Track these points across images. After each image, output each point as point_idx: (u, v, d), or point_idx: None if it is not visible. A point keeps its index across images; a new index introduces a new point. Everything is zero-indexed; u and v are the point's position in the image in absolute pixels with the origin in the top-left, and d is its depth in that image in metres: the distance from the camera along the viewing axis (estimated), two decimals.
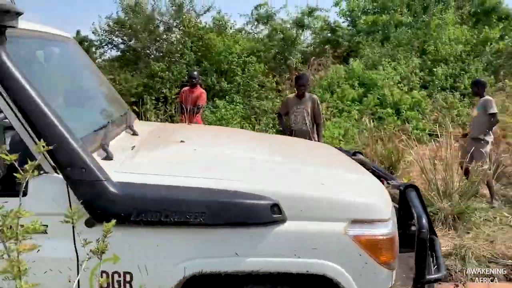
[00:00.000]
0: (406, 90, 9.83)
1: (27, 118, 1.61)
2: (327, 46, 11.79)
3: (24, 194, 1.58)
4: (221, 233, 1.71)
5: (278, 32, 11.23)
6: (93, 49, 11.30)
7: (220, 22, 11.25)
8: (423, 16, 11.62)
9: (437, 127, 7.48)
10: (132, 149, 2.06)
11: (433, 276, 1.94)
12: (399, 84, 9.89)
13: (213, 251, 1.72)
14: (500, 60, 11.26)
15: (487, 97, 5.80)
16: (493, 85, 10.20)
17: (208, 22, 11.31)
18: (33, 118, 1.60)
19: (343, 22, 12.86)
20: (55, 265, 1.67)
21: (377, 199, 1.95)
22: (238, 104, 9.57)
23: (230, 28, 11.52)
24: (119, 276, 1.71)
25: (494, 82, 10.44)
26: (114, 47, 11.37)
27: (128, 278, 1.71)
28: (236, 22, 11.71)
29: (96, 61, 10.76)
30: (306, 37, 12.36)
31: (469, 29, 11.74)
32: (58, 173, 1.68)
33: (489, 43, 11.30)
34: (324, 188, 1.91)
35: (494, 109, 5.66)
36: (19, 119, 1.63)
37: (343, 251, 1.75)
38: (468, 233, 4.55)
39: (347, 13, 12.66)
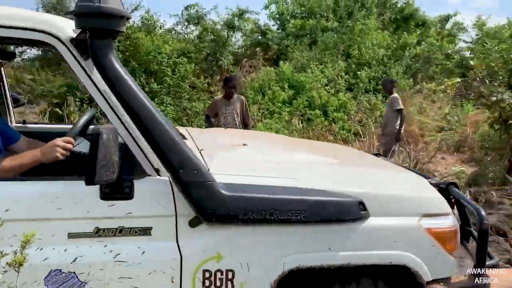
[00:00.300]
0: (333, 92, 10.22)
1: (140, 123, 1.61)
2: (257, 48, 11.97)
3: (131, 197, 1.63)
4: (317, 229, 1.79)
5: (209, 33, 11.21)
6: (12, 48, 10.59)
7: (149, 22, 11.00)
8: (348, 21, 12.16)
9: (361, 127, 7.87)
10: (200, 152, 2.01)
11: (491, 262, 2.11)
12: (326, 87, 10.27)
13: (309, 247, 1.79)
14: (417, 64, 12.08)
15: (394, 94, 6.30)
16: (412, 88, 10.92)
17: (136, 22, 11.02)
18: (148, 123, 1.60)
19: (273, 25, 13.13)
20: (159, 266, 1.67)
21: (439, 195, 2.11)
22: (168, 105, 9.41)
23: (160, 28, 11.31)
24: (221, 274, 1.73)
25: (413, 85, 11.16)
26: (34, 46, 10.71)
27: (230, 275, 1.73)
28: (166, 22, 11.54)
29: (15, 60, 10.07)
30: (237, 39, 12.46)
31: (390, 35, 12.47)
32: (160, 176, 1.69)
33: (408, 48, 12.08)
34: (397, 187, 2.08)
35: (400, 106, 6.15)
36: (122, 123, 1.64)
37: (419, 243, 1.89)
38: None
39: (277, 16, 12.93)
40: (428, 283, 1.91)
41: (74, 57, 1.66)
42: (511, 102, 5.49)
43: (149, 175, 1.69)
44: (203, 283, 1.71)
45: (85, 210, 1.60)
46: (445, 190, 2.28)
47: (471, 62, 9.59)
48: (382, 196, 1.93)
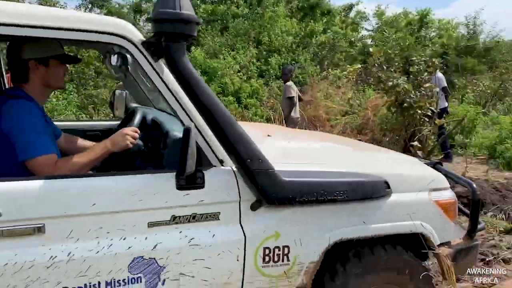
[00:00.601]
0: (245, 78, 10.33)
1: (212, 119, 1.78)
2: None
3: (203, 187, 1.81)
4: (355, 207, 2.10)
5: (115, 17, 10.68)
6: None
7: (48, 3, 10.17)
8: (258, 8, 12.30)
9: (272, 113, 8.06)
10: None
11: (479, 227, 2.49)
12: (238, 73, 10.34)
13: (349, 222, 2.09)
14: (324, 51, 12.61)
15: (288, 83, 6.74)
16: (319, 74, 11.39)
17: (32, 2, 10.12)
18: (219, 119, 1.78)
19: None
20: (227, 246, 1.88)
21: (437, 172, 2.51)
22: (71, 93, 8.84)
23: None
24: (279, 250, 1.98)
25: (320, 71, 11.65)
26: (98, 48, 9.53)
27: (286, 251, 1.99)
28: (67, 4, 10.74)
29: None
30: (146, 24, 12.01)
31: (297, 22, 12.85)
32: (223, 166, 1.90)
33: (314, 36, 12.55)
34: (407, 167, 2.51)
35: (291, 94, 6.70)
36: (191, 119, 1.81)
37: (431, 214, 2.29)
38: None
39: None
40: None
41: (146, 59, 1.78)
42: (405, 87, 5.97)
43: (215, 166, 1.89)
44: (263, 259, 1.96)
45: (164, 200, 1.77)
46: (433, 168, 2.65)
47: (371, 49, 10.27)
48: (400, 175, 2.31)
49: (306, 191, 1.95)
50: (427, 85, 6.15)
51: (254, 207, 1.93)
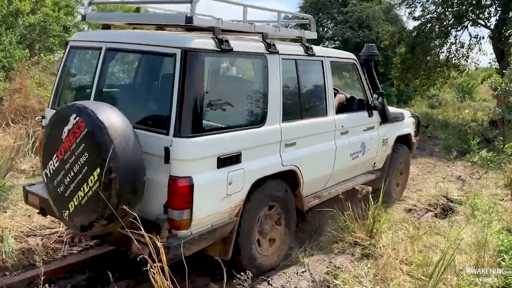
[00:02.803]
0: None
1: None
2: None
3: (372, 116, 5.26)
4: (397, 125, 6.00)
5: None
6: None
7: None
8: None
9: None
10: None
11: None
12: None
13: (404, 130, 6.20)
14: (34, 34, 11.33)
15: None
16: (29, 59, 10.18)
17: None
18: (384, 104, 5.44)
19: None
20: (376, 139, 5.34)
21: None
22: None
23: None
24: (386, 141, 5.56)
25: (29, 56, 10.43)
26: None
27: (387, 141, 5.61)
28: None
29: None
30: None
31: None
32: (373, 114, 5.29)
33: (21, 16, 11.10)
34: (407, 113, 6.42)
35: None
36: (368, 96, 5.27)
37: (412, 126, 6.20)
38: (6, 212, 4.40)
39: None
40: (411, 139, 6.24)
41: (362, 71, 5.26)
42: None
43: (372, 113, 5.21)
44: (383, 144, 5.46)
45: (367, 120, 5.17)
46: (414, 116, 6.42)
47: None
48: (406, 113, 6.20)
49: (394, 118, 5.58)
50: None
51: (381, 124, 5.34)
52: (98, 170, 2.70)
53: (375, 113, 5.20)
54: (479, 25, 15.25)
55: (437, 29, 15.28)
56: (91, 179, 2.75)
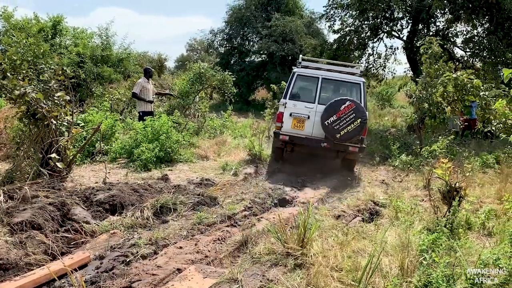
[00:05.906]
0: None
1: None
2: None
3: None
4: None
5: None
6: None
7: None
8: None
9: None
10: None
11: None
12: None
13: None
14: None
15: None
16: None
17: None
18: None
19: None
20: None
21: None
22: None
23: None
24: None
25: None
26: None
27: None
28: None
29: None
30: None
31: None
32: None
33: None
34: None
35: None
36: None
37: None
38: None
39: None
40: None
41: (364, 88, 8.62)
42: (34, 96, 5.59)
43: None
44: None
45: None
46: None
47: None
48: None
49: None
50: (59, 94, 5.97)
51: None
52: (359, 120, 8.00)
53: None
54: (393, 37, 16.35)
55: (355, 41, 16.15)
56: (355, 123, 8.02)
